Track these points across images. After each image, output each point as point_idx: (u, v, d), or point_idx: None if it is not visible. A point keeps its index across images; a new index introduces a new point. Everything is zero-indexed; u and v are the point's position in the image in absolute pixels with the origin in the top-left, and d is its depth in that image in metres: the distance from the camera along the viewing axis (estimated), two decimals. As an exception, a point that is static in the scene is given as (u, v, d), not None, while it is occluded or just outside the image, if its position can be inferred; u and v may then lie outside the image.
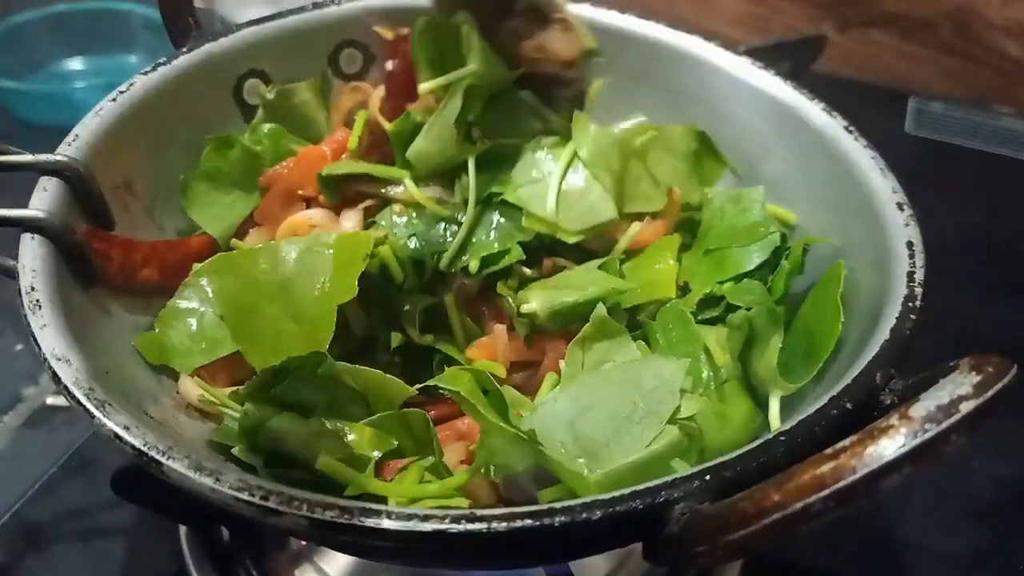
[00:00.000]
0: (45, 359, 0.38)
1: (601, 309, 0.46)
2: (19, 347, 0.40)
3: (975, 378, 0.30)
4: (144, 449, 0.35)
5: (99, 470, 0.59)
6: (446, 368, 0.45)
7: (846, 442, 0.30)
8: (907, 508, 0.60)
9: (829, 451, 0.30)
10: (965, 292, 0.75)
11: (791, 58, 0.81)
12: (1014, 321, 0.75)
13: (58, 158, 0.46)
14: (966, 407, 0.29)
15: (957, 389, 0.29)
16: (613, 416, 0.41)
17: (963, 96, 1.01)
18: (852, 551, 0.59)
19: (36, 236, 0.43)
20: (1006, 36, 1.00)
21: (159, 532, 0.56)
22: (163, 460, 0.34)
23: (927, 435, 0.29)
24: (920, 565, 0.59)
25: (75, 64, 0.96)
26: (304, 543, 0.54)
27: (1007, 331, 0.74)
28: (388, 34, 0.57)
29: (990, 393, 0.29)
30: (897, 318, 0.40)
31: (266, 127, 0.56)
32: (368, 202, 0.52)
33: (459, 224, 0.49)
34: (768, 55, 0.66)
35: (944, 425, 0.29)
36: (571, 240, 0.49)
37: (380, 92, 0.56)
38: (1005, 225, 0.86)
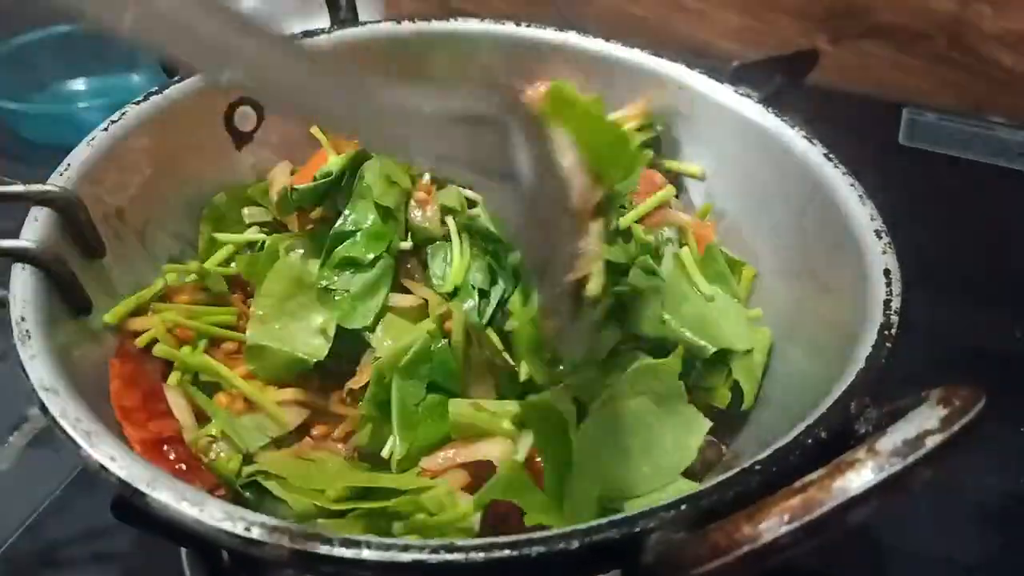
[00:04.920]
0: (33, 389, 0.39)
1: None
2: (23, 368, 0.41)
3: (942, 411, 0.30)
4: (128, 480, 0.35)
5: (104, 490, 0.58)
6: None
7: (814, 475, 0.30)
8: (908, 514, 0.60)
9: (797, 484, 0.30)
10: (957, 303, 0.75)
11: (785, 72, 0.81)
12: (1007, 333, 0.75)
13: (48, 188, 0.46)
14: (932, 441, 0.29)
15: (924, 423, 0.30)
16: (639, 448, 0.43)
17: (957, 106, 1.01)
18: (853, 557, 0.59)
19: (27, 266, 0.44)
20: (1000, 46, 1.00)
21: (162, 552, 0.56)
22: (147, 491, 0.35)
23: (893, 469, 0.29)
24: (922, 572, 0.59)
25: (79, 84, 0.96)
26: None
27: (1000, 341, 0.74)
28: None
29: (956, 428, 0.29)
30: (873, 347, 0.40)
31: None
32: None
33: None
34: (762, 69, 0.67)
35: (910, 459, 0.29)
36: None
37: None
38: (999, 236, 0.86)
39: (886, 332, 0.41)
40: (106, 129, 0.52)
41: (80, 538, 0.58)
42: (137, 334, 0.49)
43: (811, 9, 1.04)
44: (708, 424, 0.46)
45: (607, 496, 0.42)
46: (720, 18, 1.07)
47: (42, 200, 0.46)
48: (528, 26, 0.62)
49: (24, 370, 0.40)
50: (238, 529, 0.34)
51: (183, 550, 0.56)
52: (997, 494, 0.64)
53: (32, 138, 0.88)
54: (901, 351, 0.41)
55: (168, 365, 0.49)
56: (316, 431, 0.49)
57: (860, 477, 0.29)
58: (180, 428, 0.47)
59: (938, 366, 0.65)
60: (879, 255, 0.45)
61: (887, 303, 0.42)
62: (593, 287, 0.38)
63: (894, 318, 0.41)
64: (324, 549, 0.33)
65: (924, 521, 0.61)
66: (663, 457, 0.44)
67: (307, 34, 0.61)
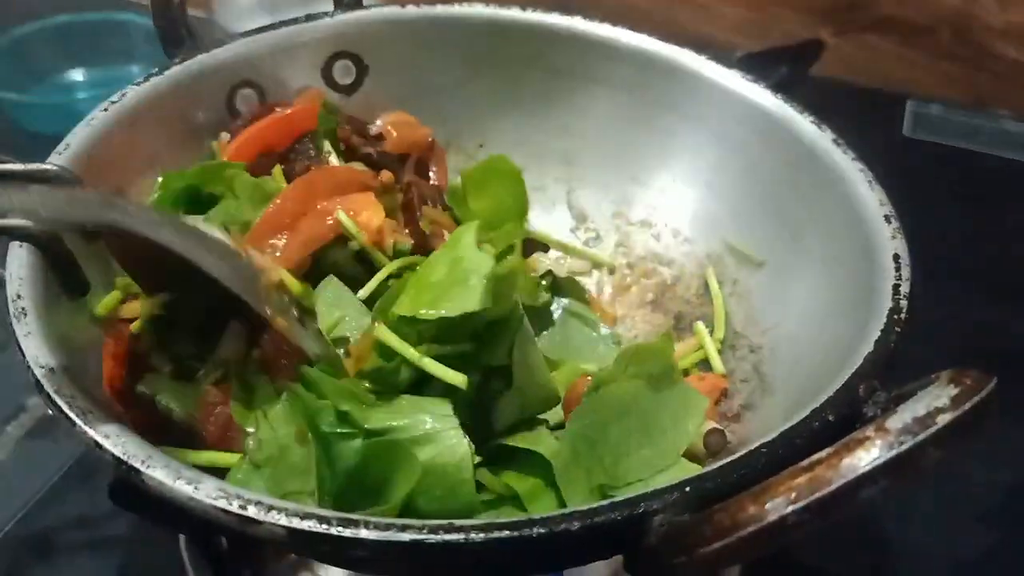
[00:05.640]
0: (29, 366, 0.39)
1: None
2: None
3: (953, 391, 0.30)
4: (123, 457, 0.35)
5: (102, 479, 0.57)
6: None
7: (822, 453, 0.30)
8: (911, 510, 0.60)
9: (805, 463, 0.30)
10: (963, 296, 0.75)
11: (788, 63, 0.81)
12: (1013, 325, 0.75)
13: (46, 167, 0.46)
14: (943, 419, 0.29)
15: (934, 402, 0.29)
16: (636, 430, 0.43)
17: (962, 99, 1.01)
18: (855, 553, 0.58)
19: (24, 244, 0.43)
20: (1005, 39, 0.99)
21: (160, 540, 0.56)
22: (142, 468, 0.34)
23: (903, 447, 0.29)
24: (924, 568, 0.59)
25: (77, 75, 0.96)
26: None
27: (1005, 336, 0.74)
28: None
29: (967, 406, 0.29)
30: (882, 330, 0.40)
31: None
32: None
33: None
34: (765, 61, 0.66)
35: (920, 437, 0.29)
36: None
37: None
38: (1004, 228, 0.85)
39: (895, 316, 0.40)
40: (106, 110, 0.52)
41: (76, 527, 0.58)
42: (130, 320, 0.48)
43: (815, 2, 1.04)
44: (707, 401, 0.45)
45: (609, 483, 0.42)
46: (724, 11, 1.07)
47: (40, 178, 0.46)
48: (533, 11, 0.62)
49: (20, 347, 0.39)
50: (233, 507, 0.33)
51: (181, 538, 0.55)
52: (1000, 489, 0.63)
53: (31, 129, 0.88)
54: (904, 342, 0.41)
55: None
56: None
57: (869, 455, 0.28)
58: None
59: (941, 358, 0.64)
60: (888, 240, 0.45)
61: (896, 287, 0.42)
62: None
63: (903, 302, 0.41)
64: (322, 528, 0.32)
65: (927, 516, 0.60)
66: (662, 438, 0.43)
67: (310, 18, 0.60)
